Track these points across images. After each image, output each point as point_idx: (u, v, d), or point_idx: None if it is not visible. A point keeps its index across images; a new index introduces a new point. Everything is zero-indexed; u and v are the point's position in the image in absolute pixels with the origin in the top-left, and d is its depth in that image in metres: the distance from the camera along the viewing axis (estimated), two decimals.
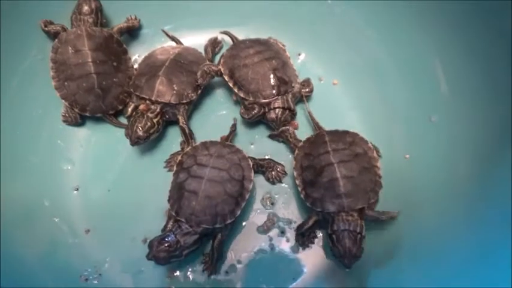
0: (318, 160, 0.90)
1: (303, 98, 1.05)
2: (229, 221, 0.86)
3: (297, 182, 0.91)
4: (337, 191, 0.85)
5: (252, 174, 0.92)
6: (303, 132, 1.03)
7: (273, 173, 0.98)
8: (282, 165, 0.99)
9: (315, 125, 1.01)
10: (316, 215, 0.89)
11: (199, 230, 0.85)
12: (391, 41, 1.04)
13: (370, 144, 0.93)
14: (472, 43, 0.90)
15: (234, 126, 1.01)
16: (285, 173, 0.99)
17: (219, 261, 0.90)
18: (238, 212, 0.87)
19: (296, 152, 0.95)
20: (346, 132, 0.95)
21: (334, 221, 0.84)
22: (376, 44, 1.05)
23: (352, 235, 0.82)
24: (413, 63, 1.00)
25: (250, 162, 0.93)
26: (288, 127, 1.00)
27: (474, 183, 0.86)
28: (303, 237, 0.92)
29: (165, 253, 0.82)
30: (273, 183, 0.99)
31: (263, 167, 0.97)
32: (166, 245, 0.82)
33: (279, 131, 1.00)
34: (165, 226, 0.88)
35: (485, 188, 0.83)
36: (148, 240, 0.89)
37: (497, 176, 0.81)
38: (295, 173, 0.92)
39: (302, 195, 0.90)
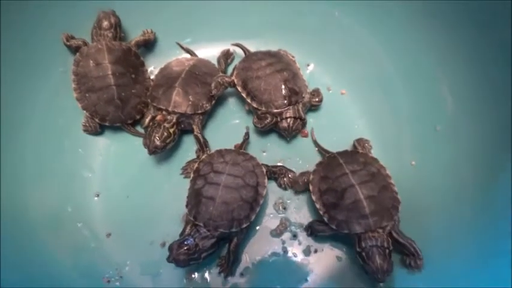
0: (337, 182, 0.92)
1: (312, 107, 1.10)
2: (244, 225, 0.90)
3: (317, 205, 0.93)
4: (362, 211, 0.87)
5: (266, 180, 0.96)
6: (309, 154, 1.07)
7: (285, 179, 1.02)
8: (293, 172, 1.03)
9: (322, 151, 1.05)
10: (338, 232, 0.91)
11: (216, 234, 0.89)
12: (396, 53, 1.08)
13: (381, 162, 0.96)
14: (473, 54, 0.95)
15: (247, 134, 1.05)
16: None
17: (235, 264, 0.94)
18: (253, 217, 0.91)
19: (311, 176, 0.97)
20: (356, 152, 0.99)
21: (360, 239, 0.86)
22: (382, 55, 1.09)
23: (381, 250, 0.84)
24: (417, 74, 1.04)
25: (264, 169, 0.98)
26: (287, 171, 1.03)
27: (477, 188, 0.90)
28: (312, 230, 0.96)
29: (184, 256, 0.86)
30: (285, 189, 1.03)
31: (275, 173, 1.02)
32: (185, 248, 0.86)
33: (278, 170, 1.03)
34: (183, 230, 0.93)
35: (487, 193, 0.87)
36: (166, 244, 0.95)
37: (498, 182, 0.85)
38: (314, 197, 0.94)
39: (325, 218, 0.91)
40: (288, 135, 1.05)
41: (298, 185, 1.00)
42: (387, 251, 0.84)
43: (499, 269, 0.77)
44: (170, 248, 0.87)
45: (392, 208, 0.89)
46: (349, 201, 0.88)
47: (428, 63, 1.03)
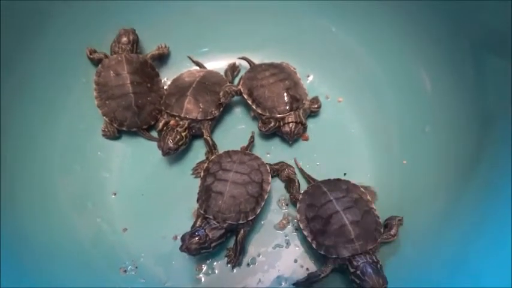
0: (323, 210, 0.96)
1: (311, 113, 1.20)
2: (250, 218, 0.98)
3: (305, 233, 0.97)
4: (348, 236, 0.91)
5: (270, 177, 1.05)
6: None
7: (284, 173, 1.10)
8: (292, 167, 1.11)
9: (308, 178, 1.11)
10: (332, 264, 0.93)
11: (225, 226, 0.97)
12: (385, 61, 1.17)
13: (361, 189, 1.02)
14: (454, 59, 1.04)
15: (252, 138, 1.15)
16: (295, 173, 1.11)
17: (242, 255, 1.02)
18: (259, 210, 0.99)
19: (298, 205, 1.02)
20: (338, 180, 1.04)
21: (351, 261, 0.90)
22: (373, 63, 1.19)
23: (374, 265, 0.88)
24: (405, 80, 1.14)
25: (268, 168, 1.06)
26: (294, 179, 1.09)
27: (459, 181, 0.98)
28: (310, 284, 0.96)
29: (196, 245, 0.93)
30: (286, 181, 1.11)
31: (278, 170, 1.10)
32: (197, 238, 0.94)
33: (288, 182, 1.10)
34: (194, 223, 1.01)
35: (473, 185, 0.95)
36: (178, 238, 1.01)
37: (482, 175, 0.93)
38: (301, 225, 0.98)
39: (314, 245, 0.94)
40: (290, 139, 1.13)
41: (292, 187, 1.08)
42: (378, 265, 0.89)
43: (497, 264, 0.79)
44: (183, 238, 0.94)
45: (375, 231, 0.93)
46: (335, 227, 0.92)
47: (413, 69, 1.12)
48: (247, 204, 0.98)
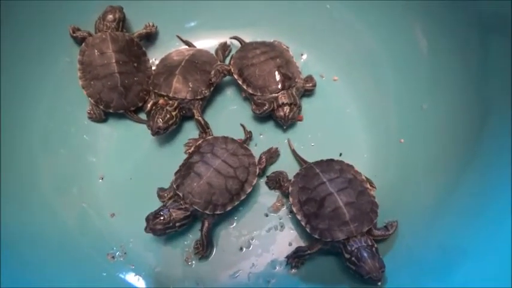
0: (316, 192, 0.93)
1: (306, 92, 1.15)
2: (218, 212, 0.94)
3: (298, 217, 0.94)
4: (343, 218, 0.88)
5: (255, 180, 1.00)
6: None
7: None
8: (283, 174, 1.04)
9: (300, 160, 1.07)
10: (322, 244, 0.91)
11: (190, 209, 0.93)
12: (383, 36, 1.12)
13: (356, 168, 0.99)
14: (458, 36, 0.99)
15: (250, 133, 1.10)
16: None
17: (209, 248, 0.97)
18: (229, 208, 0.95)
19: (290, 188, 0.98)
20: (332, 161, 1.00)
21: (345, 245, 0.87)
22: (370, 39, 1.14)
23: (368, 249, 0.85)
24: (404, 55, 1.09)
25: (257, 170, 1.01)
26: (281, 171, 1.05)
27: (458, 160, 0.94)
28: (296, 259, 0.95)
29: (160, 225, 0.91)
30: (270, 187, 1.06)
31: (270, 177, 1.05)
32: (161, 218, 0.91)
33: (277, 173, 1.05)
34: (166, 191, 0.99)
35: (468, 163, 0.92)
36: None
37: (484, 158, 0.90)
38: (294, 209, 0.95)
39: (308, 229, 0.91)
40: (285, 123, 1.09)
41: (273, 182, 1.04)
42: (373, 248, 0.86)
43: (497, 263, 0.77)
44: (147, 219, 0.91)
45: (371, 212, 0.90)
46: (329, 210, 0.89)
47: (414, 45, 1.07)
48: (220, 198, 0.94)
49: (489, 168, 0.86)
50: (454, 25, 0.98)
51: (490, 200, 0.85)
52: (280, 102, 1.08)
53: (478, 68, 0.94)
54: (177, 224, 0.93)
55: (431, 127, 1.02)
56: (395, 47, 1.11)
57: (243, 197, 0.97)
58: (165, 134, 1.07)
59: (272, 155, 1.08)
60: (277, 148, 1.09)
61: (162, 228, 0.91)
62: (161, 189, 1.01)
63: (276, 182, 1.03)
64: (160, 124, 1.04)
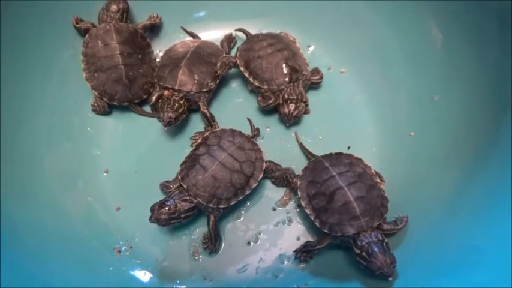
0: (325, 186, 0.91)
1: (312, 85, 1.13)
2: (222, 206, 0.93)
3: (307, 211, 0.92)
4: (353, 213, 0.86)
5: (261, 175, 0.98)
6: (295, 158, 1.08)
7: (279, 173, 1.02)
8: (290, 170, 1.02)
9: (307, 153, 1.05)
10: (331, 238, 0.90)
11: (194, 201, 0.92)
12: (394, 26, 1.09)
13: (365, 162, 0.97)
14: (471, 27, 0.96)
15: (258, 130, 1.08)
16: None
17: (218, 241, 0.96)
18: (233, 202, 0.94)
19: (298, 182, 0.96)
20: (340, 154, 0.99)
21: (355, 240, 0.86)
22: (380, 30, 1.12)
23: (379, 243, 0.84)
24: (416, 47, 1.06)
25: (264, 165, 1.00)
26: (287, 168, 1.02)
27: (472, 154, 0.92)
28: (305, 253, 0.94)
29: (165, 215, 0.90)
30: (277, 185, 1.04)
31: (273, 172, 1.02)
32: (166, 208, 0.90)
33: (283, 170, 1.02)
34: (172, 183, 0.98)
35: (483, 158, 0.90)
36: None
37: (495, 144, 0.87)
38: (303, 203, 0.94)
39: (317, 223, 0.90)
40: (288, 121, 1.07)
41: (280, 181, 1.02)
42: (384, 243, 0.85)
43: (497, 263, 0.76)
44: (152, 209, 0.91)
45: (382, 206, 0.89)
46: (339, 204, 0.88)
47: (426, 32, 1.04)
48: (224, 192, 0.93)
49: (504, 165, 0.84)
50: (471, 18, 0.95)
51: (504, 198, 0.82)
52: (285, 97, 1.05)
53: (495, 64, 0.91)
54: (182, 216, 0.92)
55: (443, 120, 0.99)
56: (406, 38, 1.08)
57: (247, 192, 0.96)
58: (176, 124, 1.05)
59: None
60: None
61: (167, 219, 0.90)
62: (165, 183, 1.00)
63: (284, 180, 1.02)
64: (171, 113, 1.02)
